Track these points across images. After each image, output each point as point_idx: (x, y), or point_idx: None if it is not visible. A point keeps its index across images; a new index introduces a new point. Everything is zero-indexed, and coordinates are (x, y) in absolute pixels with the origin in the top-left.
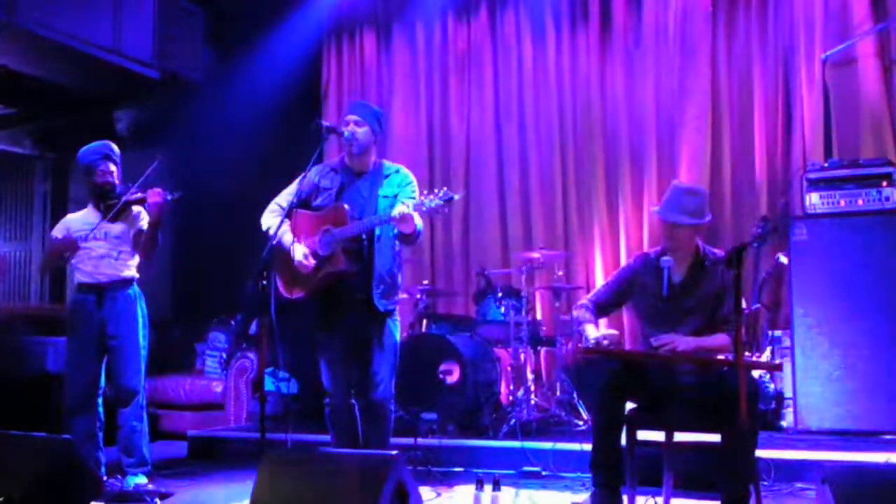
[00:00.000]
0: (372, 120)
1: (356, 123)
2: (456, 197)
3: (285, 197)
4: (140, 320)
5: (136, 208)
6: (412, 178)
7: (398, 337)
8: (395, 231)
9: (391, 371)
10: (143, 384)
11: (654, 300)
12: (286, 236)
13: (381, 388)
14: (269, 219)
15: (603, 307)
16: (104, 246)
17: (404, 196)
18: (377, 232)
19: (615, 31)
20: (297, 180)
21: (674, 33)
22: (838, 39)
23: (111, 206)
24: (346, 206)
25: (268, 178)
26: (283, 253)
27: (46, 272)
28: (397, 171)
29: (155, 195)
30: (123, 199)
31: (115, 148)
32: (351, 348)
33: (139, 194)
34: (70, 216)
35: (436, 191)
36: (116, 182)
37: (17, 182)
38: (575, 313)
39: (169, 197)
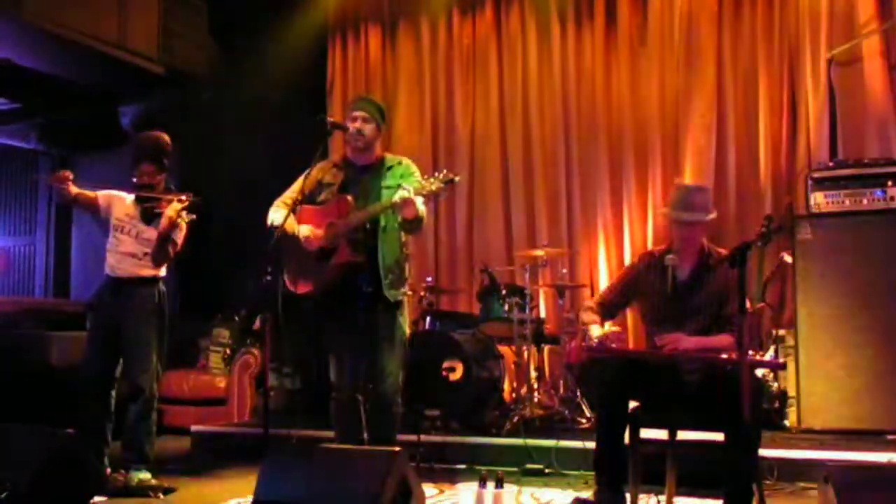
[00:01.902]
0: (378, 116)
1: (364, 120)
2: (456, 179)
3: (289, 194)
4: (156, 320)
5: None
6: (415, 167)
7: (407, 331)
8: (399, 220)
9: (400, 365)
10: (153, 383)
11: (659, 299)
12: (290, 226)
13: (389, 381)
14: (274, 214)
15: (609, 308)
16: (132, 244)
17: (407, 184)
18: (382, 223)
19: (620, 28)
20: (300, 177)
21: (679, 31)
22: (844, 38)
23: (145, 208)
24: (349, 197)
25: (272, 173)
26: (291, 247)
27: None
28: (399, 163)
29: (171, 210)
30: (156, 206)
31: (166, 145)
32: (359, 342)
33: (164, 204)
34: (120, 195)
35: (436, 174)
36: (154, 183)
37: (21, 176)
38: (581, 315)
39: (179, 218)
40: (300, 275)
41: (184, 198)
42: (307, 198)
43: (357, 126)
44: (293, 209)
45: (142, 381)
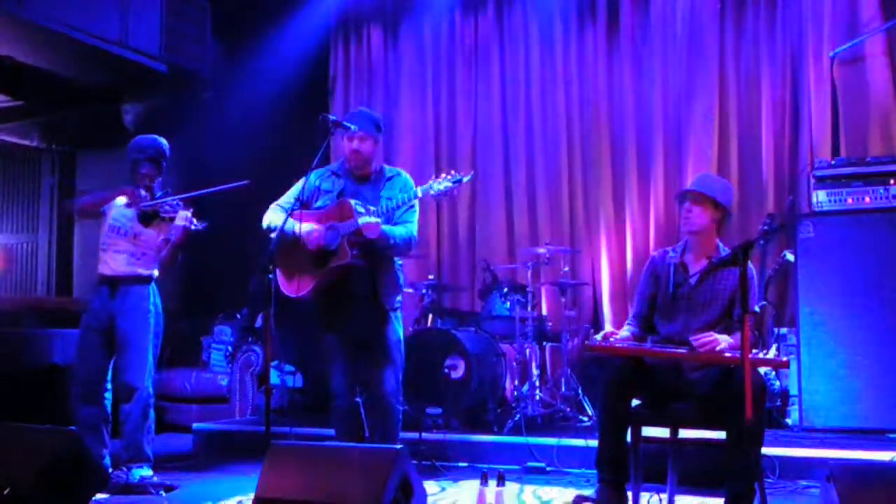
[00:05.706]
0: (374, 131)
1: (360, 139)
2: (465, 179)
3: (286, 198)
4: (151, 319)
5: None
6: (412, 183)
7: (402, 332)
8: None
9: (397, 366)
10: (149, 382)
11: (665, 293)
12: (290, 226)
13: (386, 383)
14: (271, 216)
15: (646, 319)
16: (129, 245)
17: (405, 197)
18: (383, 229)
19: (623, 28)
20: (297, 183)
21: (681, 31)
22: (847, 37)
23: (145, 212)
24: (351, 200)
25: (274, 172)
26: (286, 248)
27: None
28: (398, 174)
29: (182, 219)
30: (160, 211)
31: (164, 147)
32: (356, 345)
33: (171, 212)
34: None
35: (443, 175)
36: (154, 186)
37: (24, 174)
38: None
39: (192, 227)
40: (294, 276)
41: (182, 204)
42: (304, 203)
43: (355, 146)
44: (290, 212)
45: (136, 380)
